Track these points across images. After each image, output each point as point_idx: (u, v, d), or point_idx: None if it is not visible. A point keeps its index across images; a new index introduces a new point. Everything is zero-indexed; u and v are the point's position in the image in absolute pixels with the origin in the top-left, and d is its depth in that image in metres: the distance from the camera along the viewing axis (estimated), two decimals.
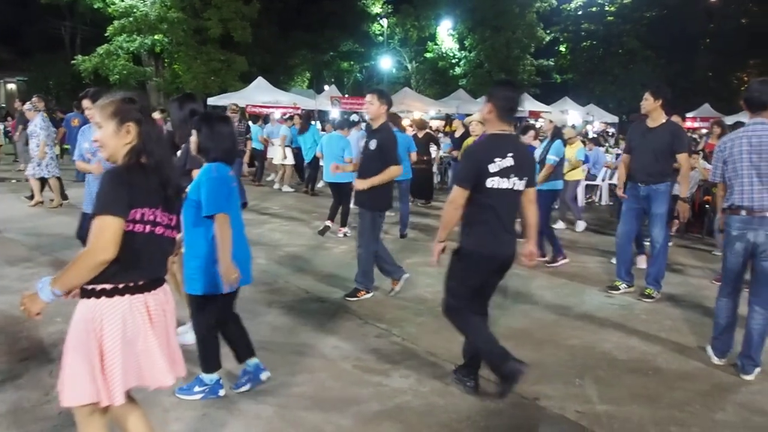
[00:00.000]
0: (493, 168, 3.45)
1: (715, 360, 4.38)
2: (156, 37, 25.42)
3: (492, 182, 3.47)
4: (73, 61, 25.79)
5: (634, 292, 6.06)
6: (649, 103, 5.69)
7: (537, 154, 7.10)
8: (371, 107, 5.36)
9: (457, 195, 3.51)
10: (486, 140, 3.71)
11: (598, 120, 27.49)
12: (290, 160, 13.12)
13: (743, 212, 4.01)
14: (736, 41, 31.90)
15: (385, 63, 37.61)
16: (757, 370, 4.17)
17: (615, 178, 9.57)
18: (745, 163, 4.01)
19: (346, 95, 26.83)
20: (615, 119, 28.59)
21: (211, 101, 21.41)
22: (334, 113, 22.64)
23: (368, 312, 5.28)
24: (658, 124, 5.71)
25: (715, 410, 3.72)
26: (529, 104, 27.50)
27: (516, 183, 3.53)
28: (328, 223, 8.46)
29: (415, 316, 5.24)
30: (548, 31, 35.96)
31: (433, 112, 26.01)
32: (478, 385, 3.79)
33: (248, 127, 13.05)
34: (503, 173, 3.47)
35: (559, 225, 9.56)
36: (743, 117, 23.37)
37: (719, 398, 3.88)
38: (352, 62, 40.59)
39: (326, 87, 37.32)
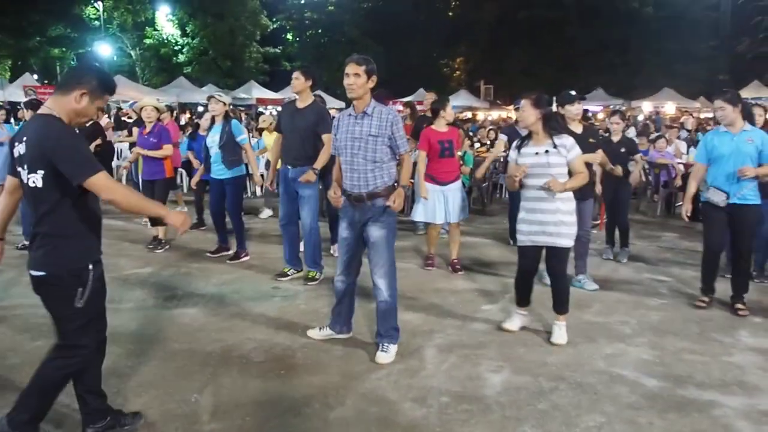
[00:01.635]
0: None
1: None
2: None
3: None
4: None
5: (302, 276, 5.82)
6: (299, 83, 5.51)
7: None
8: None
9: None
10: None
11: (328, 106, 28.05)
12: None
13: None
14: (443, 31, 35.17)
15: (104, 50, 34.13)
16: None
17: None
18: None
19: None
20: (342, 105, 29.49)
21: None
22: None
23: None
24: (305, 105, 5.53)
25: (334, 407, 3.38)
26: (257, 92, 27.22)
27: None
28: None
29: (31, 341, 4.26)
30: (273, 19, 35.76)
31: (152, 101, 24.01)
32: None
33: None
34: None
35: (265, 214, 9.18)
36: (454, 99, 25.60)
37: (345, 390, 3.59)
38: (64, 48, 36.14)
39: (35, 76, 33.00)
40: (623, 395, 3.59)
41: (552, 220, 4.22)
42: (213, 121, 6.58)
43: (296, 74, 5.57)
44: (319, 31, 37.56)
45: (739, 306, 5.06)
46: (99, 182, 2.57)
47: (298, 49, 37.56)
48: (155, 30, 34.16)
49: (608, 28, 32.08)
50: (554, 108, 4.49)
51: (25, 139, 2.65)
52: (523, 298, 4.60)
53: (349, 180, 4.00)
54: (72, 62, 36.33)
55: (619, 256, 6.76)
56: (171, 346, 4.19)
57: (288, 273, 5.82)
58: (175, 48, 34.38)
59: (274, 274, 5.90)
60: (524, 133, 4.64)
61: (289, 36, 38.06)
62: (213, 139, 6.46)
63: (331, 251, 6.54)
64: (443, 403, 3.44)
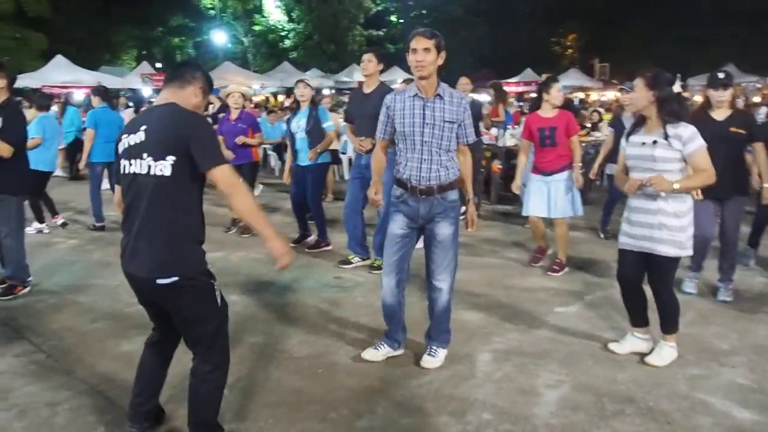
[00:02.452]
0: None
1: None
2: None
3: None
4: None
5: (368, 264, 5.61)
6: (372, 65, 5.38)
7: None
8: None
9: None
10: None
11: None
12: None
13: None
14: (553, 6, 33.45)
15: (219, 38, 35.49)
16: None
17: None
18: None
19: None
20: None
21: None
22: (146, 91, 20.88)
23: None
24: (372, 90, 5.39)
25: (363, 414, 3.10)
26: (359, 75, 27.22)
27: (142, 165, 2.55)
28: None
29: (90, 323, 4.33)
30: (377, 2, 35.60)
31: (257, 86, 24.76)
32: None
33: None
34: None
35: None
36: (564, 79, 24.33)
37: (380, 396, 3.29)
38: (183, 38, 38.03)
39: (157, 65, 35.02)
40: (704, 428, 3.02)
41: (653, 222, 3.56)
42: (298, 106, 6.40)
43: (368, 56, 5.41)
44: (423, 11, 36.93)
45: None
46: (225, 172, 2.47)
47: (401, 31, 37.22)
48: (263, 17, 35.03)
49: None
50: (677, 89, 3.65)
51: (144, 127, 2.53)
52: (634, 316, 3.88)
53: (416, 171, 3.50)
54: (190, 50, 38.25)
55: (743, 258, 5.70)
56: None
57: (352, 261, 5.60)
58: (282, 34, 35.07)
59: (338, 261, 5.71)
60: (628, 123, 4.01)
61: (393, 18, 37.75)
62: (299, 125, 6.22)
63: None
64: (484, 420, 3.06)
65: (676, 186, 3.40)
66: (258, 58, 35.60)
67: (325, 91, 22.32)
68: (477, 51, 32.98)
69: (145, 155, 2.48)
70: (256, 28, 35.07)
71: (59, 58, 20.14)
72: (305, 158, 6.12)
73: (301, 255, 6.07)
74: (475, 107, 6.96)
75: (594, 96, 25.47)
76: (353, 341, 3.99)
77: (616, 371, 3.62)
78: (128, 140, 2.55)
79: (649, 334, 3.87)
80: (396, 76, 27.64)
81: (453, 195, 3.56)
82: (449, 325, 3.75)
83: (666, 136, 3.45)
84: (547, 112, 5.48)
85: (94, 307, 4.65)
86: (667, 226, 3.50)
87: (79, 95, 17.03)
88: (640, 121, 3.66)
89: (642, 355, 3.78)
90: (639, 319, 3.85)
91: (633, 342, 3.87)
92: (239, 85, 7.40)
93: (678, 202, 3.53)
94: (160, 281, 2.46)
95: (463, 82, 7.12)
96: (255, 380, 3.45)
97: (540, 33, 35.85)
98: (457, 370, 3.62)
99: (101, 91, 7.60)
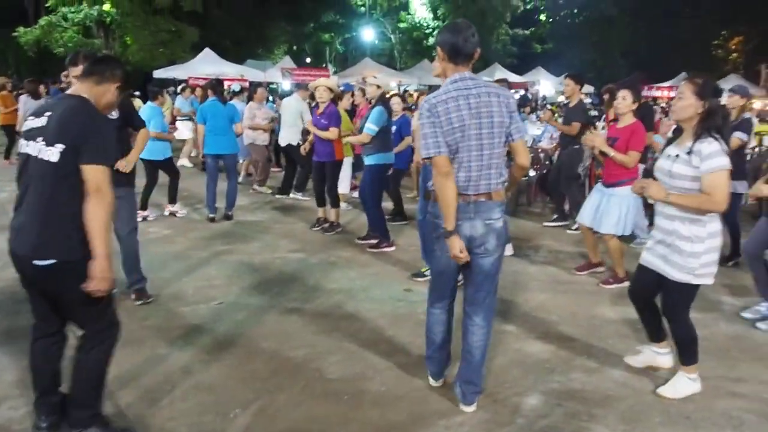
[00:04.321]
0: None
1: (432, 382, 3.49)
2: (104, 7, 24.32)
3: None
4: (14, 34, 24.79)
5: None
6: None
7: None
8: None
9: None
10: None
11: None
12: (186, 134, 12.19)
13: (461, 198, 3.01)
14: (719, 5, 30.41)
15: (368, 34, 36.29)
16: (479, 397, 3.29)
17: None
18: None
19: (326, 66, 25.67)
20: (591, 89, 27.32)
21: (157, 74, 20.59)
22: (286, 85, 21.75)
23: None
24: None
25: None
26: (500, 74, 26.51)
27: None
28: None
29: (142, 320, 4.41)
30: (527, 0, 34.50)
31: (394, 83, 24.91)
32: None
33: None
34: None
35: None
36: (721, 84, 22.43)
37: None
38: (333, 34, 39.34)
39: (307, 60, 36.63)
40: None
41: (669, 242, 3.28)
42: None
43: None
44: (575, 10, 35.24)
45: None
46: (99, 174, 2.53)
47: (549, 30, 35.82)
48: (408, 14, 35.26)
49: None
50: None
51: (48, 114, 2.63)
52: (648, 332, 3.72)
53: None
54: (339, 46, 39.48)
55: None
56: (258, 345, 3.98)
57: (426, 273, 5.31)
58: (426, 31, 35.09)
59: (412, 273, 5.45)
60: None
61: (542, 17, 36.41)
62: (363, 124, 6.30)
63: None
64: None
65: (675, 200, 3.16)
66: (404, 56, 35.96)
67: None
68: (631, 52, 30.96)
69: (39, 139, 2.56)
70: (402, 25, 35.41)
71: (207, 52, 21.45)
72: (365, 156, 6.38)
73: (377, 260, 5.89)
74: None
75: (757, 104, 22.73)
76: (396, 366, 3.72)
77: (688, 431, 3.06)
78: (32, 123, 2.65)
79: (669, 348, 3.66)
80: (540, 77, 26.71)
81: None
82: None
83: (690, 151, 3.08)
84: (620, 121, 5.17)
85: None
86: (679, 249, 3.22)
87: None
88: (678, 133, 3.33)
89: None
90: (654, 334, 3.70)
91: (649, 356, 3.75)
92: (327, 80, 7.33)
93: (696, 226, 3.19)
94: (37, 262, 2.52)
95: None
96: (274, 401, 3.29)
97: (703, 35, 32.87)
98: (498, 412, 3.23)
99: (212, 85, 7.89)
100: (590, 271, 5.60)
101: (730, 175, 3.10)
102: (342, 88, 9.42)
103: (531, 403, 3.34)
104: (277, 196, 9.09)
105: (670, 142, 3.38)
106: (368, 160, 6.25)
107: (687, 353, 3.42)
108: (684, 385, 3.44)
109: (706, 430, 3.11)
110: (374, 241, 6.33)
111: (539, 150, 8.83)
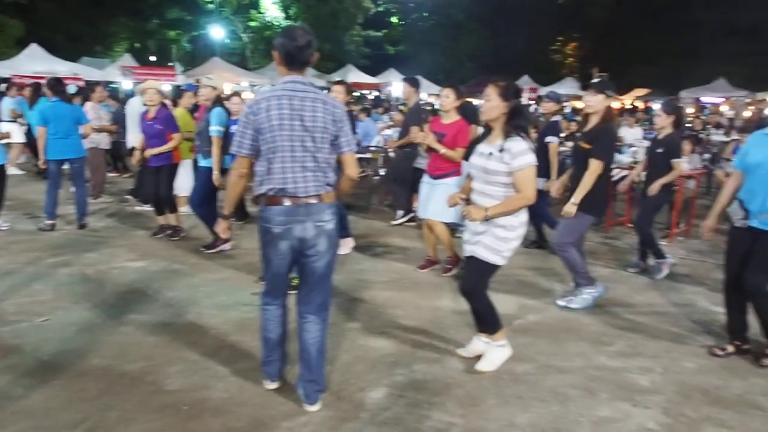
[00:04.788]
0: None
1: (270, 385, 3.47)
2: None
3: None
4: None
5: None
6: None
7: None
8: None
9: None
10: None
11: (425, 92, 27.28)
12: (18, 138, 11.11)
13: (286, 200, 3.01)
14: (555, 15, 33.19)
15: (217, 33, 35.11)
16: (323, 395, 3.31)
17: None
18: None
19: (172, 65, 24.35)
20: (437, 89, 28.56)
21: None
22: (127, 85, 20.56)
23: None
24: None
25: None
26: (353, 75, 26.87)
27: None
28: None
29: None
30: (378, 2, 35.27)
31: (246, 83, 24.42)
32: None
33: None
34: None
35: None
36: (558, 87, 24.32)
37: None
38: (180, 31, 37.69)
39: (151, 58, 34.74)
40: None
41: (480, 229, 3.56)
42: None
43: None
44: (425, 14, 36.65)
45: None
46: None
47: (402, 33, 36.93)
48: (259, 13, 34.71)
49: (735, 10, 28.74)
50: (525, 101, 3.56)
51: None
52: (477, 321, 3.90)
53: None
54: (186, 45, 37.91)
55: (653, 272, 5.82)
56: (90, 362, 3.73)
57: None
58: (278, 31, 34.65)
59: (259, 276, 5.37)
60: None
61: (394, 19, 37.45)
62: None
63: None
64: None
65: (491, 213, 3.40)
66: (256, 55, 35.27)
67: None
68: (477, 57, 32.74)
69: None
70: (253, 24, 34.76)
71: (33, 47, 19.50)
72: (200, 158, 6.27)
73: (222, 267, 5.73)
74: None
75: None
76: (239, 372, 3.65)
77: (517, 412, 3.30)
78: None
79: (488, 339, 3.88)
80: (392, 78, 27.34)
81: None
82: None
83: (501, 149, 3.37)
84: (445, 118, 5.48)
85: None
86: (494, 234, 3.49)
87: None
88: (487, 131, 3.60)
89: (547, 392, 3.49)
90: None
91: (480, 346, 3.89)
92: (155, 81, 6.99)
93: (511, 216, 3.49)
94: None
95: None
96: (105, 419, 3.10)
97: (541, 41, 35.68)
98: (341, 408, 3.28)
99: (52, 84, 7.18)
100: (430, 269, 5.83)
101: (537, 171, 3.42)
102: (184, 88, 9.08)
103: (375, 397, 3.43)
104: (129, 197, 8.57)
105: (480, 140, 3.63)
106: (204, 163, 6.06)
107: (489, 323, 3.73)
108: (496, 354, 3.76)
109: (535, 408, 3.36)
110: (212, 243, 6.18)
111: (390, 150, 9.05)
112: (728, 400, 3.53)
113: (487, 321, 3.75)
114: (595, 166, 4.66)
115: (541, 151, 6.08)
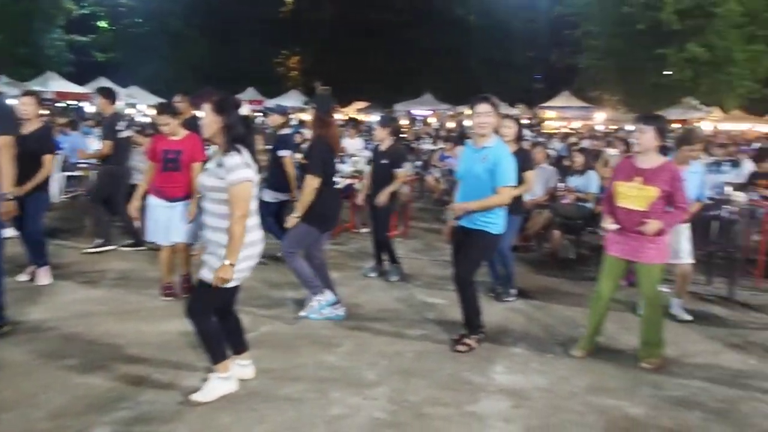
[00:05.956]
0: None
1: None
2: None
3: None
4: None
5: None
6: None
7: None
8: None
9: None
10: None
11: (144, 103, 25.62)
12: None
13: None
14: (277, 29, 34.09)
15: None
16: None
17: None
18: None
19: None
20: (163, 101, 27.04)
21: None
22: None
23: None
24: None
25: None
26: (56, 84, 24.01)
27: None
28: None
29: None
30: (82, 4, 32.27)
31: None
32: None
33: None
34: None
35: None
36: (283, 100, 24.80)
37: None
38: None
39: None
40: None
41: (210, 249, 3.40)
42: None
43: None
44: (138, 20, 34.54)
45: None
46: None
47: (113, 39, 34.30)
48: None
49: (440, 33, 32.89)
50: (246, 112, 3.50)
51: None
52: (230, 342, 3.75)
53: None
54: None
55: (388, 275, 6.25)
56: None
57: None
58: None
59: None
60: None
61: (102, 24, 34.60)
62: None
63: None
64: None
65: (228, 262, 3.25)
66: None
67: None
68: (201, 68, 31.92)
69: None
70: None
71: None
72: None
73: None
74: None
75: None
76: None
77: (253, 425, 3.30)
78: None
79: (250, 360, 3.82)
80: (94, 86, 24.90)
81: None
82: None
83: (219, 164, 3.30)
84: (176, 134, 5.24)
85: None
86: (220, 255, 3.30)
87: None
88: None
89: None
90: (235, 346, 3.75)
91: (235, 370, 3.67)
92: None
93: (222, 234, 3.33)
94: None
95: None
96: None
97: (265, 54, 36.21)
98: None
99: None
100: (169, 292, 5.38)
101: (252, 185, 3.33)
102: None
103: None
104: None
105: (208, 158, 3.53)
106: None
107: (210, 351, 3.49)
108: (215, 385, 3.52)
109: (271, 417, 3.36)
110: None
111: None
112: (443, 381, 3.93)
113: (209, 348, 3.48)
114: (308, 180, 4.74)
115: (275, 164, 6.12)
